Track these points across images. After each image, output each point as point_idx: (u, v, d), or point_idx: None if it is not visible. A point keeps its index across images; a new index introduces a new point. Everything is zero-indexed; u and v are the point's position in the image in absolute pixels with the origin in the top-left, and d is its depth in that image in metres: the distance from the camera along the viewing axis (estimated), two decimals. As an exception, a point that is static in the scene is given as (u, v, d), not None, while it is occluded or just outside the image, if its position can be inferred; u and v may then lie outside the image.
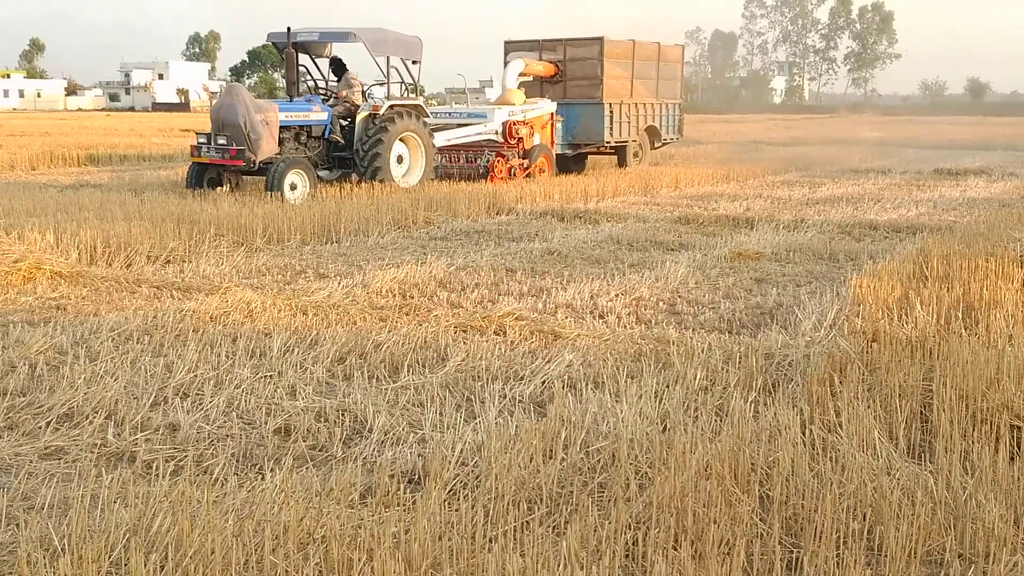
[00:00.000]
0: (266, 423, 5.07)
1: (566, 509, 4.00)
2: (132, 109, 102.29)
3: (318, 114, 16.27)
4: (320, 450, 4.80)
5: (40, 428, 5.01)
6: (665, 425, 4.92)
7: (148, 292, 8.40)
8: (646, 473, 4.29)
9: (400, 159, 16.80)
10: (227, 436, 4.92)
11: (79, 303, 7.96)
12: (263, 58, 58.64)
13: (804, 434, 4.66)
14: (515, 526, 3.78)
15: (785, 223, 13.00)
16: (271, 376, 5.85)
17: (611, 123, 21.79)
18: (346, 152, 16.54)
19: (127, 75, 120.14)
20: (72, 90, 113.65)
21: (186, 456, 4.60)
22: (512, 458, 4.31)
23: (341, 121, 16.61)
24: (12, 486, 4.26)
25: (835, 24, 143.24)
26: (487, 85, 75.20)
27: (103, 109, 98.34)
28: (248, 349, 6.39)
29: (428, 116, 17.57)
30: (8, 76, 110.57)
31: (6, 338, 6.64)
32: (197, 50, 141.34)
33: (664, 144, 24.42)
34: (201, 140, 15.58)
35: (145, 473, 4.47)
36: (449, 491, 4.13)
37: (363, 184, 15.99)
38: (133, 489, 4.10)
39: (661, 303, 8.14)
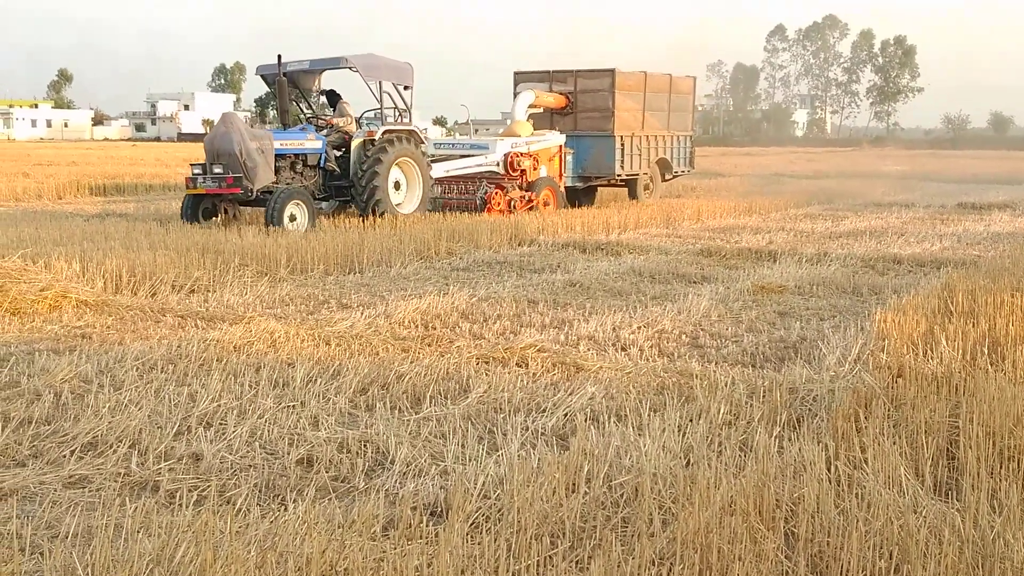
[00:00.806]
0: (289, 453, 5.07)
1: (589, 544, 3.97)
2: (158, 139, 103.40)
3: (312, 142, 16.11)
4: (342, 481, 4.80)
5: (64, 456, 5.03)
6: (688, 460, 4.89)
7: (173, 321, 8.45)
8: (670, 508, 4.25)
9: (397, 185, 16.67)
10: (250, 466, 4.93)
11: (104, 332, 8.01)
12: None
13: (829, 470, 4.62)
14: (538, 560, 3.76)
15: (808, 256, 12.96)
16: (294, 406, 5.86)
17: (622, 156, 21.58)
18: (343, 181, 16.38)
19: (153, 106, 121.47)
20: (99, 120, 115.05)
21: (209, 486, 4.60)
22: (535, 491, 4.29)
23: (335, 151, 16.48)
24: (36, 514, 4.28)
25: (857, 58, 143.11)
26: (509, 117, 75.35)
27: (129, 139, 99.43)
28: (271, 379, 6.41)
29: (424, 142, 17.36)
30: (36, 106, 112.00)
31: (32, 366, 6.69)
32: (223, 81, 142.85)
33: (675, 176, 24.28)
34: (196, 171, 15.30)
35: (168, 503, 4.47)
36: (471, 524, 4.12)
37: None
38: (157, 519, 4.11)
39: (684, 336, 8.12)
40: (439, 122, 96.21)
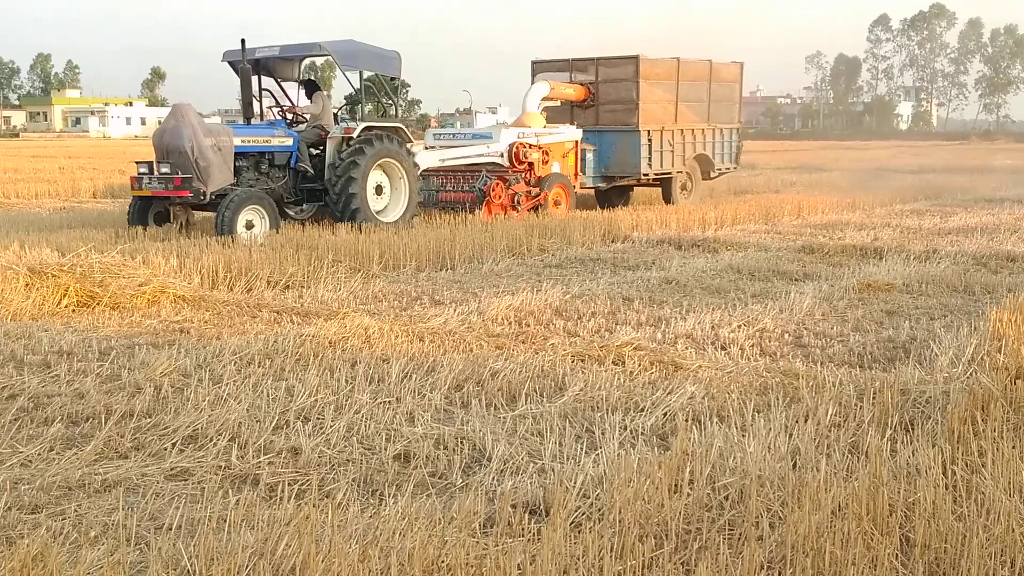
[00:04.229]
0: (386, 449, 5.05)
1: (695, 546, 3.85)
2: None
3: (282, 139, 14.12)
4: (440, 477, 4.75)
5: (166, 449, 5.09)
6: (795, 462, 4.72)
7: (268, 317, 8.54)
8: (777, 512, 4.10)
9: (379, 189, 14.59)
10: (348, 461, 4.92)
11: (202, 327, 8.13)
12: (377, 86, 59.18)
13: (946, 474, 4.41)
14: (643, 561, 3.65)
15: (916, 254, 12.51)
16: (390, 402, 5.85)
17: (649, 153, 19.31)
18: (317, 183, 14.27)
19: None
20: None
21: (309, 480, 4.60)
22: (636, 491, 4.18)
23: (311, 149, 14.46)
24: (140, 506, 4.32)
25: (965, 48, 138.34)
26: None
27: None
28: (367, 374, 6.40)
29: (411, 140, 15.33)
30: (131, 104, 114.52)
31: (132, 360, 6.81)
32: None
33: (720, 174, 21.66)
34: (143, 170, 13.48)
35: (269, 496, 4.48)
36: (572, 523, 4.02)
37: (466, 213, 15.67)
38: (258, 512, 4.11)
39: (786, 335, 7.89)
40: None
